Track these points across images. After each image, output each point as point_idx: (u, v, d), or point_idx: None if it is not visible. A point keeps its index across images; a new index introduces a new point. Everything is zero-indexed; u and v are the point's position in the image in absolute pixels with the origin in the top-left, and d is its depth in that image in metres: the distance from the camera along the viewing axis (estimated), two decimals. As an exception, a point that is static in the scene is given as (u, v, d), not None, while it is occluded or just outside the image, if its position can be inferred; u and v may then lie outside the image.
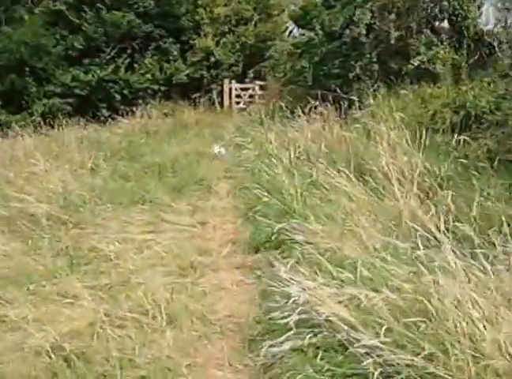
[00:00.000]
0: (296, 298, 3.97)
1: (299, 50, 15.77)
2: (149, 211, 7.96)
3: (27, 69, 20.40)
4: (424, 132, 8.32)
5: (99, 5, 21.24)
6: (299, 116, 11.93)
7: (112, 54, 21.40)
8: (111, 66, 21.28)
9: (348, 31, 13.24)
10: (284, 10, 24.20)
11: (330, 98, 12.51)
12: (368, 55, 13.43)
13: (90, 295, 4.91)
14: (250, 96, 22.79)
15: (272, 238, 6.04)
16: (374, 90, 12.38)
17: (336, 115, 11.04)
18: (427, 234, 5.64)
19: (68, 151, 12.06)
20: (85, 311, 4.63)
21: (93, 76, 21.14)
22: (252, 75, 23.38)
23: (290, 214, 6.67)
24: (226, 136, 15.03)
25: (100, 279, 5.40)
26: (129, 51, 21.75)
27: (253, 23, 23.39)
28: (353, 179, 7.15)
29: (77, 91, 21.13)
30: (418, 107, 10.39)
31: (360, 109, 11.25)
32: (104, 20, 21.29)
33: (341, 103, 12.14)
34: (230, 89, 22.78)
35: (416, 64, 12.31)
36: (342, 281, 4.47)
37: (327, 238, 5.49)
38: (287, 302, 4.27)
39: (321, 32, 14.67)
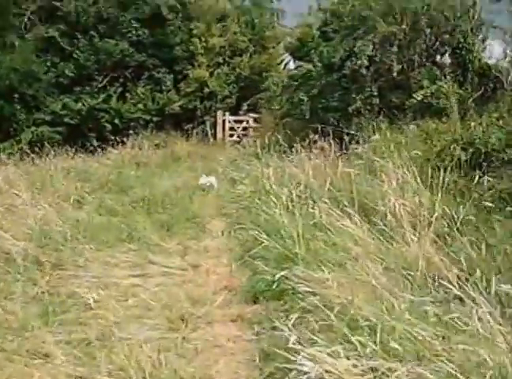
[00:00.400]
0: (306, 370, 3.31)
1: (296, 83, 15.33)
2: (136, 251, 7.32)
3: (16, 95, 19.95)
4: (431, 170, 7.85)
5: (92, 32, 20.90)
6: (298, 151, 11.41)
7: (104, 82, 21.15)
8: (102, 95, 20.94)
9: (348, 63, 12.76)
10: (279, 42, 23.97)
11: (330, 132, 12.04)
12: (369, 88, 12.98)
13: (64, 354, 4.24)
14: (244, 129, 22.44)
15: (273, 286, 5.39)
16: (375, 124, 11.88)
17: (336, 150, 10.47)
18: (446, 286, 5.11)
19: (53, 182, 11.48)
20: (57, 374, 3.97)
21: (84, 104, 20.74)
22: (246, 107, 23.09)
23: (291, 259, 6.04)
24: (219, 169, 14.44)
25: (77, 332, 4.73)
26: (121, 80, 21.46)
27: (248, 54, 23.12)
28: (359, 221, 6.57)
29: (66, 119, 20.72)
30: (423, 143, 9.85)
31: (360, 143, 10.72)
32: (97, 48, 20.97)
33: (342, 137, 11.65)
34: (223, 121, 22.41)
35: (419, 98, 11.84)
36: (355, 344, 3.85)
37: (334, 289, 4.86)
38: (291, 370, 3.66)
39: (319, 64, 14.26)
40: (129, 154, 16.53)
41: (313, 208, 7.14)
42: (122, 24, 21.25)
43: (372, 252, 5.97)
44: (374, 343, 3.64)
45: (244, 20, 23.68)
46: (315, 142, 11.42)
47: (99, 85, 21.01)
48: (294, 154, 11.55)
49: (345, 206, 6.95)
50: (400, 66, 12.94)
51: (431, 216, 6.01)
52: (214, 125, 22.31)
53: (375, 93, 13.05)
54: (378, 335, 3.64)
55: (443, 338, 3.62)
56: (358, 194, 7.48)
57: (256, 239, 7.02)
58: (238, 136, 22.27)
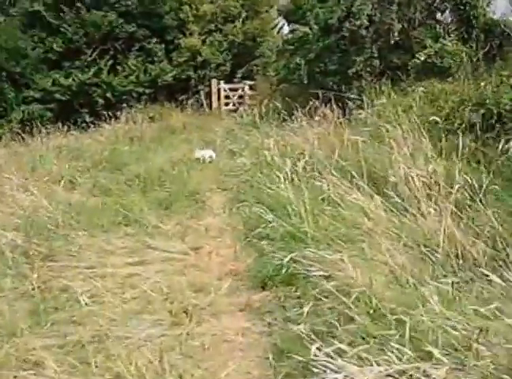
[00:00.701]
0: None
1: (291, 47, 14.72)
2: (133, 235, 6.86)
3: (3, 74, 19.26)
4: (441, 134, 7.39)
5: (78, 4, 20.09)
6: (298, 118, 10.92)
7: (94, 56, 20.28)
8: (92, 69, 20.12)
9: (347, 24, 12.18)
10: (272, 6, 23.20)
11: (330, 97, 11.55)
12: (369, 50, 12.42)
13: (56, 361, 3.82)
14: (240, 97, 21.77)
15: (282, 270, 4.96)
16: (378, 87, 11.37)
17: (339, 116, 9.95)
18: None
19: (44, 163, 11.02)
20: (49, 387, 3.56)
21: (74, 80, 19.98)
22: (241, 75, 22.45)
23: (299, 238, 5.62)
24: (217, 141, 13.93)
25: (71, 334, 4.30)
26: (111, 53, 20.59)
27: (240, 20, 22.34)
28: (369, 193, 6.13)
29: (57, 96, 19.92)
30: (430, 106, 9.34)
31: (364, 108, 10.21)
32: (84, 21, 20.15)
33: (343, 102, 11.15)
34: (218, 90, 21.72)
35: (422, 58, 11.28)
36: (382, 339, 3.43)
37: (350, 272, 4.43)
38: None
39: (316, 27, 13.65)
40: (122, 129, 15.92)
41: (319, 181, 6.71)
42: (109, -7, 20.38)
43: (386, 227, 5.55)
44: (401, 336, 3.22)
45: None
46: (316, 109, 10.91)
47: (89, 59, 20.18)
48: (294, 122, 11.08)
49: (354, 177, 6.52)
50: (401, 25, 12.34)
51: (449, 186, 5.56)
52: (209, 95, 21.65)
53: (376, 54, 12.49)
54: (407, 331, 3.20)
55: (481, 331, 3.18)
56: (366, 164, 7.03)
57: (260, 217, 6.60)
58: (234, 105, 21.72)
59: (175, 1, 21.52)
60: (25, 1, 20.64)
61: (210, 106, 21.48)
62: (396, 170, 6.47)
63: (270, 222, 6.24)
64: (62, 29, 20.11)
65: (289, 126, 10.94)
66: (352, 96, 11.35)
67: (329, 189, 6.37)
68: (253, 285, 5.22)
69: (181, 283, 5.21)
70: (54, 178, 9.74)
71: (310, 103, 11.40)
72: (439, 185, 5.86)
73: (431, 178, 6.08)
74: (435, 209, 5.43)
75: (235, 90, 21.77)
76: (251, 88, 21.19)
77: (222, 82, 21.67)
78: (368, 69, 12.37)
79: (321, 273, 4.66)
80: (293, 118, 11.04)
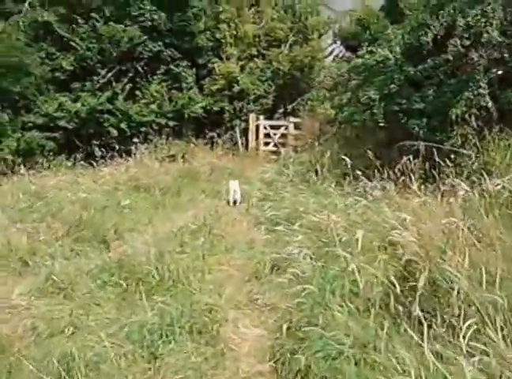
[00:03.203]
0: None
1: (360, 77, 10.87)
2: None
3: (-2, 93, 15.92)
4: None
5: (95, 15, 16.70)
6: (377, 178, 7.12)
7: (108, 77, 17.00)
8: (106, 93, 16.77)
9: (454, 42, 8.33)
10: (326, 30, 19.55)
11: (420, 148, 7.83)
12: (478, 83, 8.54)
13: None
14: (282, 136, 18.33)
15: None
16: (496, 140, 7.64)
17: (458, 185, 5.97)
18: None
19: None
20: None
21: (84, 104, 16.61)
22: (283, 110, 19.71)
23: None
24: (252, 196, 10.16)
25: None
26: (130, 75, 17.29)
27: (287, 45, 19.17)
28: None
29: (62, 123, 16.56)
30: None
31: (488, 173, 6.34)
32: (100, 35, 16.85)
33: (449, 158, 7.29)
34: (257, 127, 18.42)
35: None
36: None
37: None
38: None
39: (397, 50, 9.83)
40: (128, 171, 12.17)
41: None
42: (132, 5, 17.06)
43: None
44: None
45: (283, 3, 19.81)
46: (396, 163, 7.10)
47: (103, 81, 16.87)
48: (372, 184, 7.23)
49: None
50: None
51: None
52: (245, 132, 18.38)
53: (486, 90, 8.62)
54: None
55: None
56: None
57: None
58: (274, 146, 18.36)
59: (211, 19, 18.16)
60: (37, 11, 17.33)
61: (246, 145, 18.28)
62: None
63: None
64: (72, 44, 16.68)
65: (365, 191, 7.05)
66: (464, 152, 7.50)
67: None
68: None
69: None
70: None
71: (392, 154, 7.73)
72: None
73: None
74: None
75: (277, 128, 18.38)
76: (296, 126, 17.59)
77: (262, 117, 18.37)
78: (478, 111, 8.48)
79: None
80: (376, 176, 7.19)
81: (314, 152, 10.90)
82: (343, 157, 7.87)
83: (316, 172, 9.32)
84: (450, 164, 6.96)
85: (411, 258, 4.14)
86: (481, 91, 8.57)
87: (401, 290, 3.89)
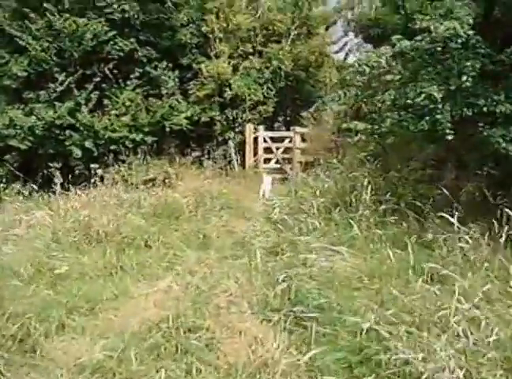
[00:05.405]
0: None
1: (408, 69, 7.62)
2: None
3: None
4: None
5: (49, 7, 13.64)
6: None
7: (69, 83, 13.88)
8: (66, 104, 13.84)
9: None
10: (335, 22, 16.65)
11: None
12: None
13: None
14: (286, 150, 15.59)
15: None
16: None
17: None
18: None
19: None
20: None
21: (39, 118, 13.67)
22: (283, 118, 17.95)
23: None
24: (252, 249, 6.94)
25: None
26: (96, 80, 14.26)
27: (289, 40, 16.58)
28: None
29: (13, 142, 13.66)
30: None
31: None
32: (58, 32, 13.86)
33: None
34: (255, 140, 15.81)
35: None
36: None
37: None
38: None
39: (470, 22, 6.58)
40: (86, 204, 8.92)
41: None
42: (98, -6, 14.23)
43: None
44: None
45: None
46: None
47: (61, 88, 13.82)
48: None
49: None
50: None
51: None
52: (241, 147, 15.84)
53: None
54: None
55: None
56: None
57: None
58: (277, 162, 15.58)
59: (195, 10, 15.27)
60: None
61: (243, 163, 15.53)
62: None
63: None
64: (22, 43, 13.63)
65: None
66: None
67: None
68: None
69: None
70: None
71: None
72: None
73: None
74: None
75: (281, 140, 15.77)
76: (303, 138, 14.94)
77: (261, 128, 15.93)
78: None
79: None
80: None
81: (343, 177, 7.70)
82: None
83: (345, 205, 6.07)
84: None
85: None
86: None
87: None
